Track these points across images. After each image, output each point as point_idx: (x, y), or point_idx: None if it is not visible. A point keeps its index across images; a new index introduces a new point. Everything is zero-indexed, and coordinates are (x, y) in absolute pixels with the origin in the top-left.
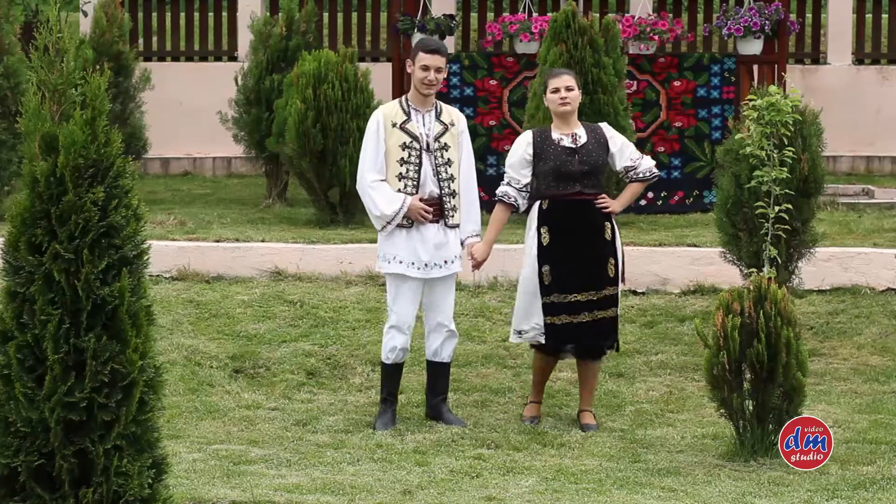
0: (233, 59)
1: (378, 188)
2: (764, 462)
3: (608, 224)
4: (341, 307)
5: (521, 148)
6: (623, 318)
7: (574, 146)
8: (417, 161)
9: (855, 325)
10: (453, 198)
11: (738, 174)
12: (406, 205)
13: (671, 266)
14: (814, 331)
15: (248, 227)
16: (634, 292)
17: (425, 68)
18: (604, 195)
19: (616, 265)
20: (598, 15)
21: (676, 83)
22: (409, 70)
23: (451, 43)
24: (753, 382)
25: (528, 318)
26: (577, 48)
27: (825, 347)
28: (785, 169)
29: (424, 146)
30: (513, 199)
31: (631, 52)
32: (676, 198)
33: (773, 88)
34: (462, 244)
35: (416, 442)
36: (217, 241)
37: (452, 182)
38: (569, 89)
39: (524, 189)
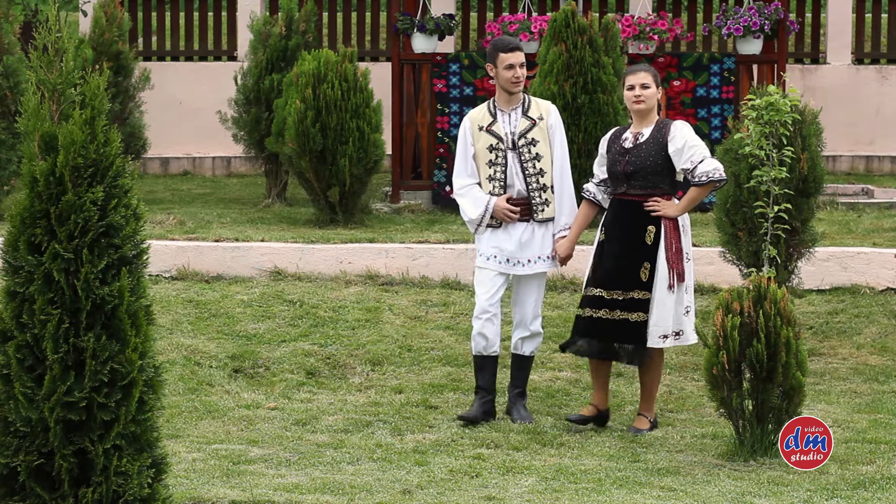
0: (232, 58)
1: (465, 193)
2: (763, 462)
3: (652, 227)
4: (341, 307)
5: (602, 144)
6: None
7: (630, 146)
8: (503, 161)
9: (854, 324)
10: (544, 192)
11: (737, 174)
12: (490, 207)
13: None
14: (813, 330)
15: (248, 226)
16: None
17: (510, 67)
18: (657, 198)
19: (652, 270)
20: (597, 14)
21: (676, 83)
22: (491, 74)
23: (450, 42)
24: (753, 382)
25: None
26: (577, 48)
27: (825, 347)
28: (784, 168)
29: (509, 145)
30: (592, 195)
31: (630, 51)
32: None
33: (772, 88)
34: (554, 237)
35: (416, 441)
36: (216, 241)
37: (542, 176)
38: (644, 87)
39: (602, 184)
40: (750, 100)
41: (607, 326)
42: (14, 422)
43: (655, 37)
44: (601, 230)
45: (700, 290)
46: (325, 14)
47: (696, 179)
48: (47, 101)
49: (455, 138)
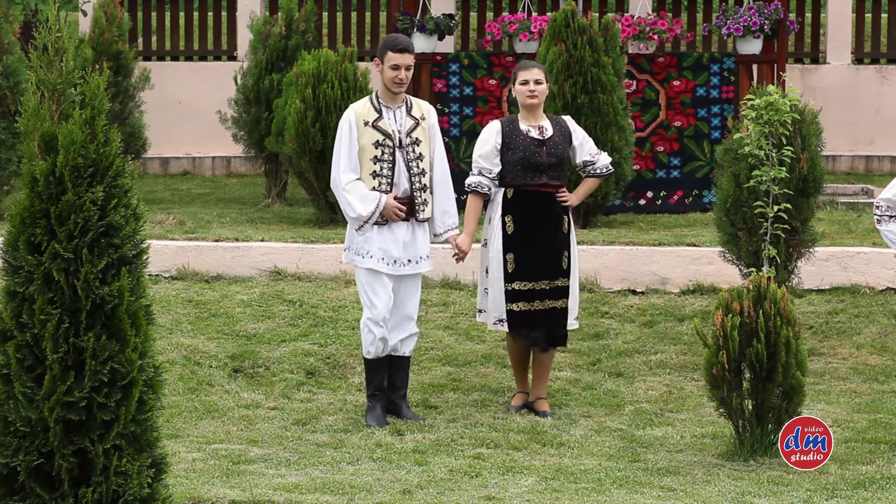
0: (232, 58)
1: (353, 189)
2: (763, 461)
3: (566, 217)
4: (340, 307)
5: (492, 138)
6: (622, 318)
7: (541, 138)
8: (391, 159)
9: (854, 324)
10: (424, 192)
11: (737, 174)
12: (381, 204)
13: (670, 265)
14: (813, 330)
15: (248, 226)
16: (633, 292)
17: (395, 67)
18: (564, 189)
19: (569, 258)
20: (597, 14)
21: (676, 83)
22: (376, 69)
23: (450, 42)
24: (753, 382)
25: (496, 303)
26: (577, 48)
27: (824, 347)
28: (784, 168)
29: (397, 143)
30: (486, 189)
31: (630, 51)
32: (676, 197)
33: (771, 88)
34: (438, 236)
35: (416, 441)
36: (216, 241)
37: (423, 176)
38: (537, 82)
39: (496, 178)
40: (750, 100)
41: (545, 316)
42: (14, 422)
43: (655, 37)
44: (509, 222)
45: (700, 290)
46: (325, 14)
47: (599, 171)
48: (47, 101)
49: (454, 138)
